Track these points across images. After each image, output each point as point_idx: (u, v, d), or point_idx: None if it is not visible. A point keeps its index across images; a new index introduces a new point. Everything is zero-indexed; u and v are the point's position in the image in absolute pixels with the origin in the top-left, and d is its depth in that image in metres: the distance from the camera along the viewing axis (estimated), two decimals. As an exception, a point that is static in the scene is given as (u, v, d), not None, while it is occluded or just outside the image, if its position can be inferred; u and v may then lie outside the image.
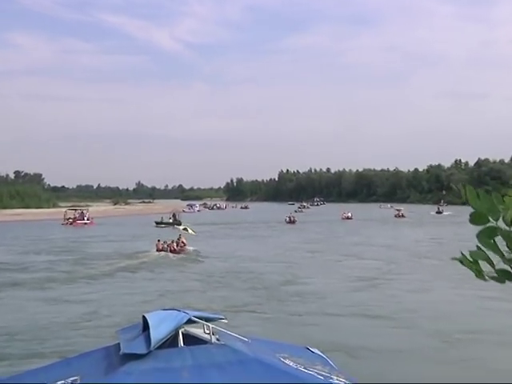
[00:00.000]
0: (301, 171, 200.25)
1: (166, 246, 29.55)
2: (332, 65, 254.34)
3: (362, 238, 40.41)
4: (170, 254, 28.52)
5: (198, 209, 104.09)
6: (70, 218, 58.88)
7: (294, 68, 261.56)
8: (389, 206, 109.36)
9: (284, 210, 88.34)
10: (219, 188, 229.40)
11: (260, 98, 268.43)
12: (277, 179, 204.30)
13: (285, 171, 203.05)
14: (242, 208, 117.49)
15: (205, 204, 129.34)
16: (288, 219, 60.20)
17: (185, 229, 31.40)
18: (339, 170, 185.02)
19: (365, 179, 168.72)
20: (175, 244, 29.89)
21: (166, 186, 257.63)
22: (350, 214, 69.34)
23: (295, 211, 79.21)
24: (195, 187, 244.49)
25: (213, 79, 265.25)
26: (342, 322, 14.09)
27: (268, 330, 12.62)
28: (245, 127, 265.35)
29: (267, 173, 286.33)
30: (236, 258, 28.15)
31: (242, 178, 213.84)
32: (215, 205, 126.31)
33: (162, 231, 43.80)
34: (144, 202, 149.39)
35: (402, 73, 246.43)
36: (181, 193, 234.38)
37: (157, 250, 29.14)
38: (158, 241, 30.05)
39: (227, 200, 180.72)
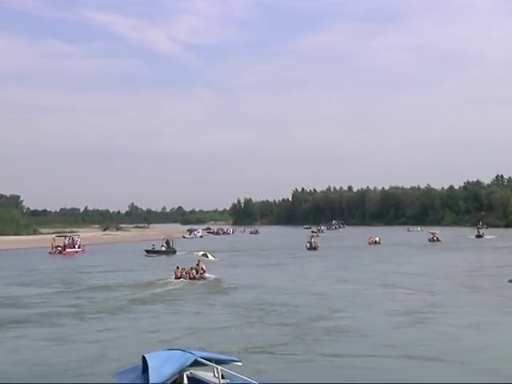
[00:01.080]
0: (318, 190, 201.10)
1: (184, 273, 31.17)
2: (351, 68, 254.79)
3: (395, 265, 40.39)
4: (190, 282, 30.16)
5: (200, 234, 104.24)
6: (58, 246, 58.72)
7: (307, 72, 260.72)
8: (418, 228, 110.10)
9: (300, 234, 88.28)
10: (224, 210, 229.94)
11: (270, 105, 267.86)
12: (290, 199, 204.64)
13: (299, 190, 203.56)
14: (251, 233, 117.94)
15: (208, 228, 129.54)
16: (309, 245, 60.49)
17: (204, 254, 32.58)
18: (362, 189, 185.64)
19: (392, 198, 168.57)
20: (194, 271, 31.41)
21: (164, 208, 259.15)
22: (378, 239, 70.32)
23: (311, 236, 79.16)
24: (197, 209, 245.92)
25: (216, 85, 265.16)
26: (388, 366, 13.63)
27: (299, 375, 12.49)
28: (253, 139, 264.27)
29: (279, 192, 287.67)
30: (259, 288, 28.58)
31: (250, 199, 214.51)
32: (220, 229, 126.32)
33: (166, 259, 43.55)
34: (138, 227, 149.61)
35: (433, 75, 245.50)
36: (180, 216, 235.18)
37: (175, 278, 30.87)
38: (177, 268, 31.54)
39: (234, 224, 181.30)
